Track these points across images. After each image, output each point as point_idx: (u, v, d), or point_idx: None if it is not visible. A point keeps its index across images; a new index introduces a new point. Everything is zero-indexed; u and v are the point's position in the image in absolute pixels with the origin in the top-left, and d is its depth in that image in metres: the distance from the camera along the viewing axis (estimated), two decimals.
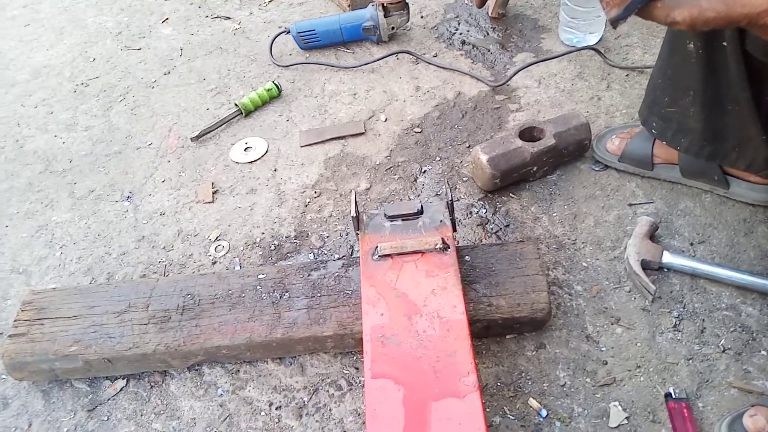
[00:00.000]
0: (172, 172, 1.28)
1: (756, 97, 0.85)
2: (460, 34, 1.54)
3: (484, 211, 1.11)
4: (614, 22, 0.58)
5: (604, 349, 0.90)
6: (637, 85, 1.30)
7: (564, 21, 1.41)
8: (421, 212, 0.94)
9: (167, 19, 1.76)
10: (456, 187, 1.16)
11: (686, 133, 0.98)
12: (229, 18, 1.72)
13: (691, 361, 0.87)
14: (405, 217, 0.94)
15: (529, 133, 1.13)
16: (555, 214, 1.09)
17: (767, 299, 0.92)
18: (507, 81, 1.35)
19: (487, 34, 1.53)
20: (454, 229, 0.92)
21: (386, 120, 1.33)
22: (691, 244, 1.01)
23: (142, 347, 0.90)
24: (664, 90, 0.98)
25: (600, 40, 1.42)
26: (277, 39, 1.53)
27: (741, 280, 0.92)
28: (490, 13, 1.56)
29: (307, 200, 1.18)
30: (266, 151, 1.30)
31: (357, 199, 0.95)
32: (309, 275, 0.97)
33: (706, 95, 0.90)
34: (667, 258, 0.95)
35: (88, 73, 1.59)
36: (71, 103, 1.50)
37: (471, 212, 1.11)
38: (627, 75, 1.34)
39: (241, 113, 1.38)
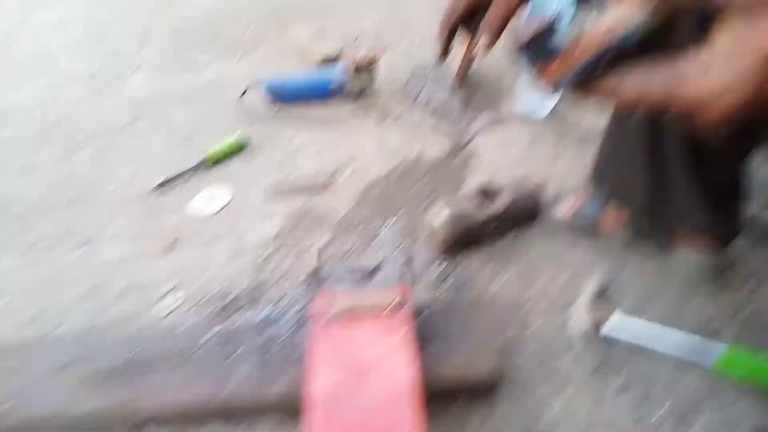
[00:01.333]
0: (131, 221, 1.27)
1: (697, 165, 0.89)
2: (425, 94, 1.60)
3: (441, 269, 1.13)
4: (556, 88, 0.60)
5: (551, 414, 0.90)
6: (590, 151, 1.36)
7: (522, 87, 1.48)
8: (379, 269, 0.95)
9: (140, 66, 1.78)
10: (415, 245, 1.18)
11: (632, 200, 1.02)
12: (201, 69, 1.76)
13: (636, 426, 0.88)
14: (363, 273, 0.95)
15: (485, 195, 1.17)
16: (509, 275, 1.11)
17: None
18: (468, 142, 1.40)
19: (451, 95, 1.59)
20: (411, 287, 0.93)
21: (350, 175, 1.36)
22: (639, 305, 1.03)
23: (82, 406, 0.87)
24: (610, 158, 1.03)
25: (557, 105, 1.49)
26: (247, 92, 1.57)
27: (677, 353, 0.93)
28: (454, 76, 1.63)
29: (267, 254, 1.18)
30: (228, 203, 1.30)
31: (317, 254, 0.95)
32: (262, 332, 0.96)
33: (650, 163, 0.95)
34: (615, 320, 0.97)
35: (56, 116, 1.59)
36: (34, 146, 1.49)
37: (428, 270, 1.13)
38: (581, 140, 1.40)
39: (206, 164, 1.39)
